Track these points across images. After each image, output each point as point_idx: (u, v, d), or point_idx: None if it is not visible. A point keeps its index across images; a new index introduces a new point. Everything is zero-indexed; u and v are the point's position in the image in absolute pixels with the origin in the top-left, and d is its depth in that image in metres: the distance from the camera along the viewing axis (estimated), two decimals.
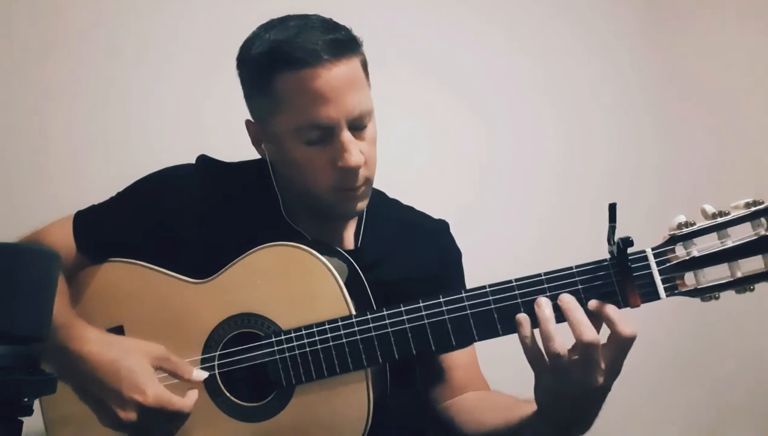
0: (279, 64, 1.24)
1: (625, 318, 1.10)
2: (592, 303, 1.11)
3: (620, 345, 1.09)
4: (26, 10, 1.94)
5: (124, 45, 2.01)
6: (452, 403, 1.44)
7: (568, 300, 1.12)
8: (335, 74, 1.24)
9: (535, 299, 1.14)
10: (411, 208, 1.55)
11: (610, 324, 1.09)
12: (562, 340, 1.09)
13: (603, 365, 1.09)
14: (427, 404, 1.48)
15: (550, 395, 1.15)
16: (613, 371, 1.11)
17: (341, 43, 1.26)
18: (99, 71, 1.99)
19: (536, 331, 1.13)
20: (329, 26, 1.29)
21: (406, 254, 1.45)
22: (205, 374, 1.29)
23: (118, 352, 1.23)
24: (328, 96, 1.24)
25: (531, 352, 1.12)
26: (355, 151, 1.27)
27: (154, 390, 1.21)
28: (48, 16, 1.96)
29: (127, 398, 1.19)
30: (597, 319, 1.11)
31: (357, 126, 1.28)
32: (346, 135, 1.26)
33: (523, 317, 1.13)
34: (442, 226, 1.55)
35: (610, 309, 1.10)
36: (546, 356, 1.10)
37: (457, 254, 1.54)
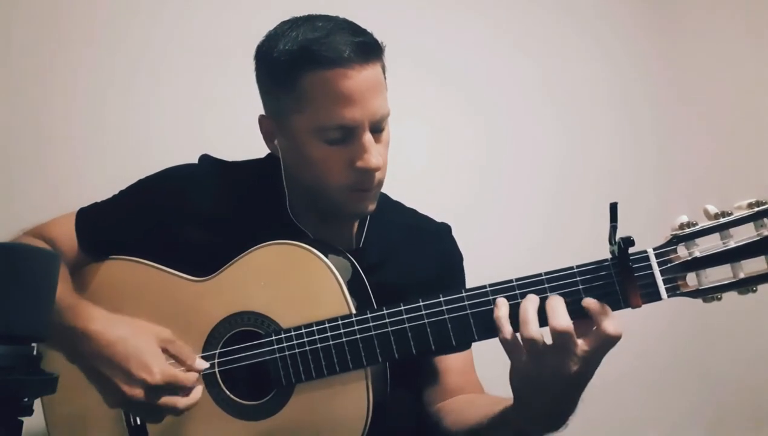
0: (308, 62, 1.25)
1: (612, 317, 1.09)
2: (586, 301, 1.11)
3: (601, 341, 1.09)
4: (26, 10, 1.94)
5: (124, 45, 2.01)
6: (443, 405, 1.44)
7: (552, 296, 1.12)
8: (363, 77, 1.25)
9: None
10: (413, 211, 1.56)
11: (596, 319, 1.09)
12: (539, 327, 1.09)
13: (579, 355, 1.09)
14: (420, 405, 1.47)
15: (525, 381, 1.14)
16: (589, 365, 1.10)
17: (369, 46, 1.28)
18: (99, 71, 1.99)
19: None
20: (356, 29, 1.30)
21: (407, 257, 1.45)
22: (206, 364, 1.29)
23: (126, 330, 1.22)
24: (355, 98, 1.25)
25: (505, 335, 1.12)
26: (375, 152, 1.28)
27: (160, 369, 1.20)
28: (48, 16, 1.96)
29: (135, 375, 1.19)
30: (587, 315, 1.11)
31: (376, 129, 1.30)
32: (368, 136, 1.28)
33: (501, 301, 1.14)
34: (445, 229, 1.55)
35: (600, 306, 1.10)
36: (521, 340, 1.10)
37: (458, 257, 1.54)
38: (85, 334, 1.21)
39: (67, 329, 1.21)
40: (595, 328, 1.09)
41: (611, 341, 1.08)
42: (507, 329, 1.12)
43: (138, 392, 1.19)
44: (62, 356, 1.23)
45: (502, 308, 1.13)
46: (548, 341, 1.09)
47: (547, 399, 1.14)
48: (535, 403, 1.15)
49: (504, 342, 1.12)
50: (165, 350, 1.25)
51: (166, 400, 1.22)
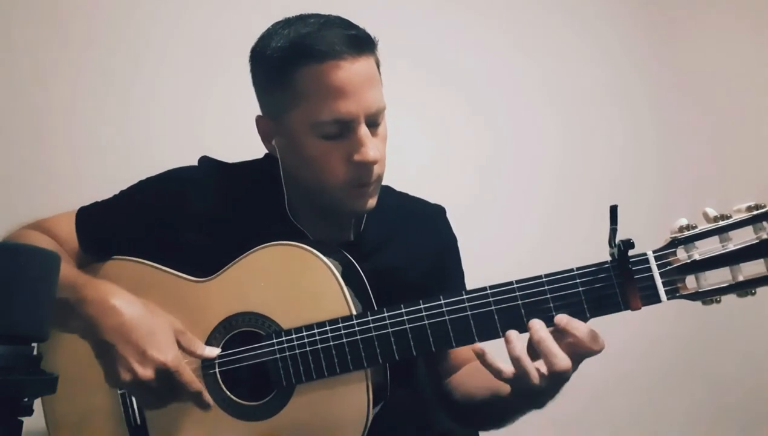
0: (301, 57, 1.25)
1: (593, 336, 1.11)
2: (560, 319, 1.12)
3: (586, 355, 1.12)
4: (26, 10, 1.94)
5: (124, 45, 2.01)
6: (452, 378, 1.46)
7: (537, 329, 1.12)
8: (356, 69, 1.25)
9: (534, 300, 1.15)
10: (406, 195, 1.56)
11: (579, 343, 1.11)
12: (533, 364, 1.11)
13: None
14: (433, 382, 1.48)
15: (523, 392, 1.16)
16: (576, 365, 1.13)
17: (361, 40, 1.28)
18: (99, 71, 1.99)
19: None
20: (348, 24, 1.30)
21: (403, 240, 1.45)
22: (216, 351, 1.29)
23: (144, 311, 1.22)
24: (349, 90, 1.25)
25: (507, 375, 1.13)
26: (372, 145, 1.28)
27: (174, 353, 1.21)
28: (48, 16, 1.96)
29: (149, 355, 1.18)
30: (564, 334, 1.12)
31: (372, 123, 1.30)
32: (364, 130, 1.27)
33: (478, 347, 1.14)
34: (439, 210, 1.56)
35: (577, 328, 1.11)
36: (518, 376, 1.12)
37: (452, 239, 1.54)
38: (105, 307, 1.20)
39: (83, 302, 1.20)
40: (578, 348, 1.11)
41: (596, 353, 1.12)
42: (506, 368, 1.13)
43: (149, 373, 1.18)
44: (61, 355, 1.23)
45: (517, 344, 1.13)
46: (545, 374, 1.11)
47: (543, 394, 1.17)
48: (532, 396, 1.17)
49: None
50: (177, 340, 1.25)
51: (172, 385, 1.21)
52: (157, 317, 1.24)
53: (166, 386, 1.21)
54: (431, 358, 1.48)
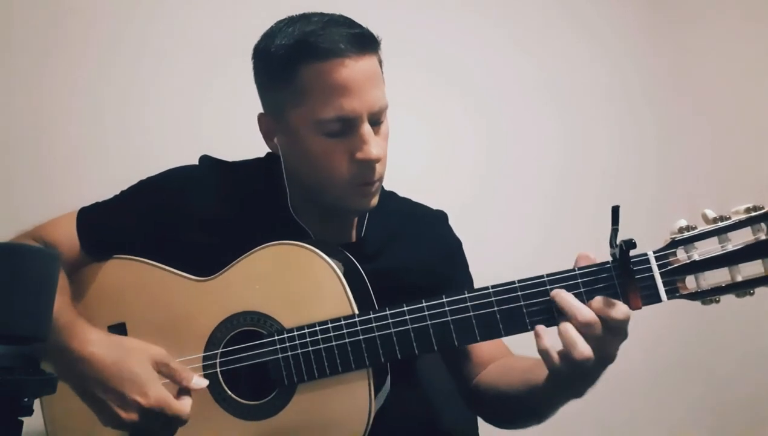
0: (305, 55, 1.25)
1: (616, 306, 1.11)
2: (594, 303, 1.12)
3: (617, 329, 1.11)
4: (25, 11, 1.95)
5: (123, 45, 2.01)
6: (479, 379, 1.43)
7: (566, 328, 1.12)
8: (360, 67, 1.26)
9: (537, 300, 1.15)
10: (409, 200, 1.56)
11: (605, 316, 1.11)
12: (586, 344, 1.10)
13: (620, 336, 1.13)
14: (460, 385, 1.47)
15: (563, 376, 1.15)
16: (618, 343, 1.14)
17: (365, 38, 1.29)
18: (98, 71, 1.99)
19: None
20: (352, 23, 1.31)
21: (405, 244, 1.45)
22: (205, 382, 1.28)
23: (121, 353, 1.23)
24: (352, 88, 1.25)
25: (555, 362, 1.12)
26: (375, 143, 1.28)
27: (155, 392, 1.21)
28: (47, 16, 1.96)
29: (130, 399, 1.19)
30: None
31: (375, 121, 1.30)
32: (367, 128, 1.28)
33: (541, 329, 1.14)
34: (441, 216, 1.56)
35: (602, 303, 1.11)
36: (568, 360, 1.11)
37: (456, 243, 1.54)
38: (81, 357, 1.21)
39: (61, 350, 1.21)
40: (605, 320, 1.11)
41: (624, 323, 1.11)
42: (555, 357, 1.12)
43: (133, 416, 1.19)
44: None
45: (545, 338, 1.13)
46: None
47: (582, 379, 1.16)
48: (571, 383, 1.17)
49: (553, 370, 1.14)
50: (160, 372, 1.25)
51: (161, 422, 1.22)
52: (136, 356, 1.24)
53: (159, 421, 1.22)
54: (453, 362, 1.47)
